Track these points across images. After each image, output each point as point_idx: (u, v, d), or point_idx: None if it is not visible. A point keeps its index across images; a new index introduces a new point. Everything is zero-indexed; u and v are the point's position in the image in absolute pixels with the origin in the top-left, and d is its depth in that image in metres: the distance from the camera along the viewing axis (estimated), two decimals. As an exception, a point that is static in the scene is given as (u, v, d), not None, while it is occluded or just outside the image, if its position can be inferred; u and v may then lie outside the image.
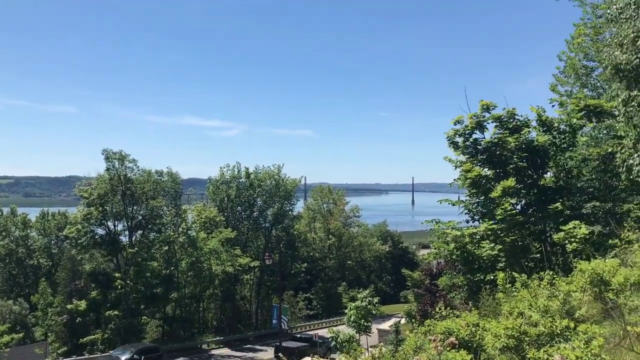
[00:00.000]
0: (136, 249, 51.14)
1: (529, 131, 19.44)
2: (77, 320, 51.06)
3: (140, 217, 53.33)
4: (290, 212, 70.87)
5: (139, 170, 53.52)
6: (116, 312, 48.65)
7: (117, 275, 50.23)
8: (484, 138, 19.71)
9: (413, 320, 33.89)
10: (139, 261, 50.98)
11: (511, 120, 19.59)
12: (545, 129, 19.32)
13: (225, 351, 52.82)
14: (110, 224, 52.22)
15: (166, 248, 54.91)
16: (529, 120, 19.77)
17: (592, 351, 4.76)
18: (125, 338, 50.48)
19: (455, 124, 20.33)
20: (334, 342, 33.79)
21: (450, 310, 12.83)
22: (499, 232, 17.32)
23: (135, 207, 52.75)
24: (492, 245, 17.60)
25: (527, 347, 6.52)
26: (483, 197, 18.90)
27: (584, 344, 4.97)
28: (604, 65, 12.56)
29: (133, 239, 52.90)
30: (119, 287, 49.26)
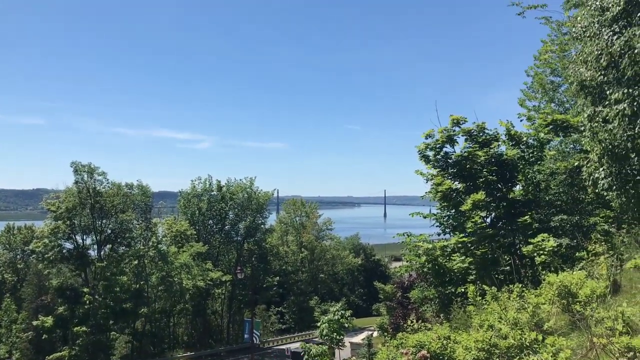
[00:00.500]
0: (105, 263, 50.26)
1: (498, 145, 19.78)
2: (43, 337, 49.81)
3: (109, 231, 52.47)
4: (262, 226, 70.56)
5: (109, 183, 52.79)
6: (84, 328, 47.57)
7: (85, 290, 49.23)
8: (455, 152, 20.00)
9: (385, 333, 33.89)
10: (108, 276, 50.08)
11: (481, 134, 19.92)
12: (514, 143, 19.68)
13: (196, 367, 52.11)
14: (78, 237, 51.28)
15: (136, 262, 54.08)
16: (498, 134, 20.13)
17: (560, 363, 4.85)
18: (94, 354, 49.46)
19: (426, 138, 20.61)
20: (306, 356, 33.54)
21: (422, 323, 12.91)
22: (470, 245, 17.53)
23: (104, 221, 51.92)
24: (463, 258, 17.79)
25: (498, 359, 6.59)
26: (454, 210, 19.12)
27: (551, 356, 5.05)
28: (569, 81, 12.88)
29: (102, 253, 52.01)
30: (87, 302, 48.26)
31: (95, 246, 52.00)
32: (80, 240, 51.45)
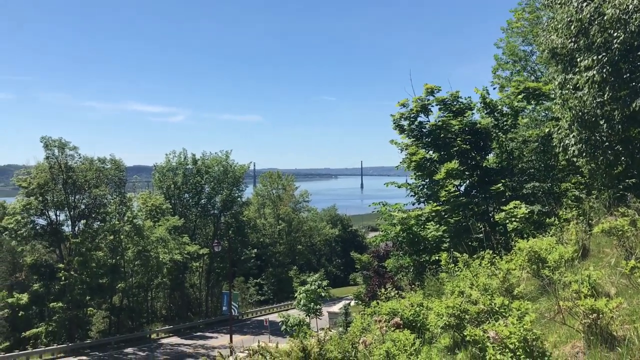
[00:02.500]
0: (80, 239, 49.78)
1: (472, 114, 19.83)
2: (19, 314, 49.44)
3: (83, 206, 51.85)
4: (239, 199, 70.46)
5: (81, 158, 52.00)
6: (60, 304, 47.36)
7: (60, 266, 48.82)
8: (429, 121, 20.01)
9: (361, 302, 34.40)
10: (83, 251, 49.66)
11: (455, 103, 19.92)
12: (488, 111, 19.75)
13: (175, 340, 52.35)
14: (51, 213, 50.64)
15: (111, 237, 53.68)
16: (472, 102, 20.15)
17: (525, 326, 4.94)
18: (71, 330, 49.36)
19: (401, 107, 20.54)
20: (284, 326, 33.91)
21: (397, 292, 13.07)
22: (443, 213, 17.70)
23: (77, 196, 51.26)
24: (437, 226, 17.98)
25: (468, 324, 6.70)
26: (428, 180, 19.23)
27: (517, 319, 5.15)
28: (541, 49, 12.91)
29: (76, 228, 51.45)
30: (63, 278, 47.91)
31: (69, 222, 51.42)
32: (54, 216, 50.84)
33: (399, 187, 20.97)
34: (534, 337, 4.96)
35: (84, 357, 45.03)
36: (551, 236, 10.62)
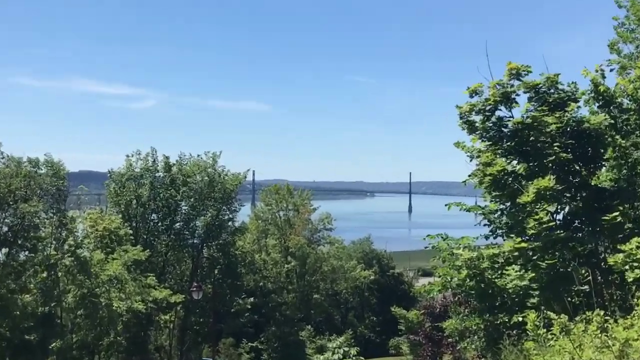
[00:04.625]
0: (-1, 275, 50.40)
1: (578, 107, 19.55)
2: None
3: (5, 228, 52.45)
4: (230, 223, 70.67)
5: (4, 158, 52.67)
6: (-33, 370, 47.94)
7: (-31, 314, 49.46)
8: (512, 117, 19.84)
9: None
10: (2, 293, 50.22)
11: (552, 91, 19.69)
12: (602, 103, 19.47)
13: None
14: (-44, 238, 51.36)
15: (44, 274, 54.14)
16: (577, 91, 19.87)
17: None
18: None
19: (471, 96, 20.32)
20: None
21: (461, 367, 12.99)
22: (531, 253, 17.51)
23: (-3, 213, 51.98)
24: (522, 272, 17.79)
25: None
26: (509, 203, 19.08)
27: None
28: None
29: (-5, 260, 52.13)
30: (-28, 332, 48.51)
31: (-15, 250, 52.09)
32: (-40, 242, 51.53)
33: (468, 210, 20.86)
34: None
35: None
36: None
